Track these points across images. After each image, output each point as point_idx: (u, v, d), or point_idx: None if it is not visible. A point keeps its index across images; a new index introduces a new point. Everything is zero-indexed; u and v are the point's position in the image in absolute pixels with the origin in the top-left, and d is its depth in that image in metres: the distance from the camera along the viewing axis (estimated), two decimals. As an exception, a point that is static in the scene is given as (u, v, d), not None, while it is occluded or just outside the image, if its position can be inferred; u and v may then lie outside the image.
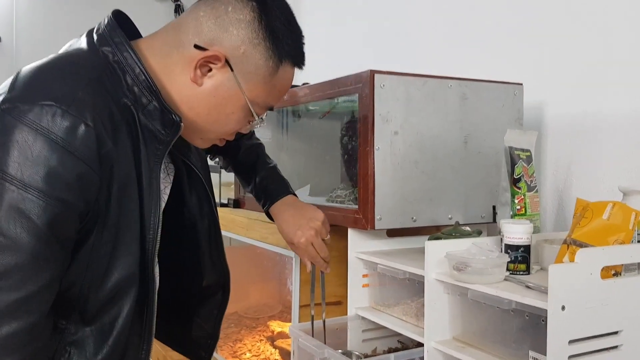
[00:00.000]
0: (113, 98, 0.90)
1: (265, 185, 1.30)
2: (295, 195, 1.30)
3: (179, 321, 1.21)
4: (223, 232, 2.05)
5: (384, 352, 1.40)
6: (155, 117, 0.93)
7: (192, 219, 1.13)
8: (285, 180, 1.33)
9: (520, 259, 1.12)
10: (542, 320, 0.96)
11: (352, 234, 1.41)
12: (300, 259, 1.28)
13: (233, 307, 2.69)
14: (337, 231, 1.57)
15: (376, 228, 1.32)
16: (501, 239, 1.18)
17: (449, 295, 1.16)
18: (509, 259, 1.10)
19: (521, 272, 1.12)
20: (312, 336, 1.30)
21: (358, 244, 1.42)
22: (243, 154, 1.35)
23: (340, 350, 1.34)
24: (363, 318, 1.40)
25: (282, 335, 2.20)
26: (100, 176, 0.85)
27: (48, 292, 0.83)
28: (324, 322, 1.33)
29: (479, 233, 1.39)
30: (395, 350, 1.41)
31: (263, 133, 2.09)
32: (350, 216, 1.38)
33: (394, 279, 1.36)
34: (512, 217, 1.30)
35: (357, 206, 1.44)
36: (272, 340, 2.28)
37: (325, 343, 1.30)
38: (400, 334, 1.31)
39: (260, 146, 1.39)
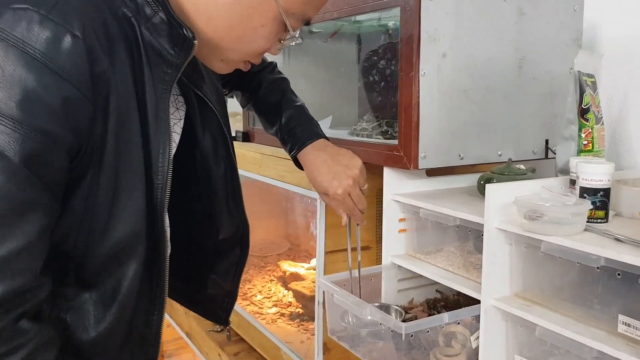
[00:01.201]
0: (109, 6, 0.71)
1: (292, 127, 1.10)
2: (327, 138, 1.11)
3: (192, 279, 1.05)
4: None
5: (422, 304, 1.26)
6: (162, 33, 0.74)
7: (206, 163, 0.95)
8: (315, 121, 1.14)
9: (599, 204, 0.95)
10: (641, 281, 0.80)
11: (387, 173, 1.24)
12: (334, 210, 1.11)
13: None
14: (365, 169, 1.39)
15: (420, 167, 1.14)
16: (573, 180, 1.01)
17: (511, 247, 1.00)
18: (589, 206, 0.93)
19: (599, 220, 0.95)
20: (351, 292, 1.15)
21: (394, 184, 1.24)
22: (265, 90, 1.14)
23: (376, 304, 1.19)
24: (399, 267, 1.25)
25: (296, 276, 2.07)
26: (94, 103, 0.67)
27: (36, 250, 0.66)
28: (359, 276, 1.18)
29: (533, 171, 1.22)
30: (435, 301, 1.27)
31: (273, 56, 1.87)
32: (387, 153, 1.20)
33: (436, 224, 1.20)
34: (578, 153, 1.12)
35: (392, 141, 1.26)
36: (284, 281, 2.16)
37: (360, 291, 1.16)
38: (437, 283, 1.16)
39: (284, 81, 1.18)
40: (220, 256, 1.02)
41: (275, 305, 2.00)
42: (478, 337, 1.04)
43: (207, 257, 1.02)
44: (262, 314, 1.95)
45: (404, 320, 1.13)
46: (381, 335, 1.02)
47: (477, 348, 1.05)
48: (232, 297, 1.07)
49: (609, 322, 0.85)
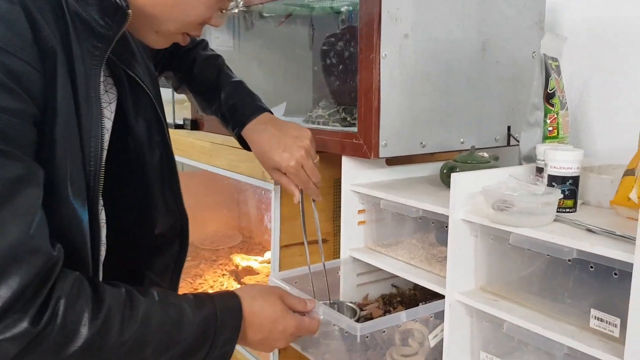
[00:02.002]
0: None
1: (233, 104, 1.03)
2: (271, 112, 1.04)
3: (127, 278, 0.95)
4: (180, 159, 1.77)
5: (377, 300, 1.20)
6: (91, 1, 0.66)
7: (139, 151, 0.86)
8: (256, 96, 1.06)
9: (568, 193, 0.91)
10: (615, 274, 0.76)
11: (346, 163, 1.17)
12: (285, 188, 1.03)
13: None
14: (321, 158, 1.32)
15: (380, 156, 1.07)
16: (540, 168, 0.97)
17: (477, 239, 0.95)
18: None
19: (568, 210, 0.91)
20: (312, 284, 1.07)
21: (353, 174, 1.18)
22: (200, 67, 1.05)
23: (329, 301, 1.12)
24: (358, 261, 1.19)
25: (249, 270, 1.99)
26: (43, 73, 0.60)
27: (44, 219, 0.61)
28: (323, 264, 1.11)
29: (496, 159, 1.18)
30: (391, 297, 1.21)
31: (222, 40, 1.77)
32: (345, 141, 1.13)
33: (396, 215, 1.14)
34: (543, 140, 1.08)
35: (351, 128, 1.19)
36: (236, 275, 2.07)
37: (328, 287, 1.10)
38: (394, 276, 1.11)
39: (219, 57, 1.10)
40: (157, 252, 0.93)
41: (228, 301, 1.91)
42: (436, 336, 0.98)
43: (143, 253, 0.92)
44: (214, 311, 1.86)
45: (358, 319, 1.06)
46: (334, 336, 0.96)
47: (435, 346, 0.99)
48: None
49: (580, 316, 0.81)
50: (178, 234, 0.94)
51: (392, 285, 1.26)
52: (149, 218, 0.89)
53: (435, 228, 1.10)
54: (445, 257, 1.09)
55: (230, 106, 1.03)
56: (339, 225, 1.35)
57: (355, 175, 1.17)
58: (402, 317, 0.97)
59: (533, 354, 0.88)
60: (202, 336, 0.73)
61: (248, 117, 1.01)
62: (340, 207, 1.35)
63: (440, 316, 0.97)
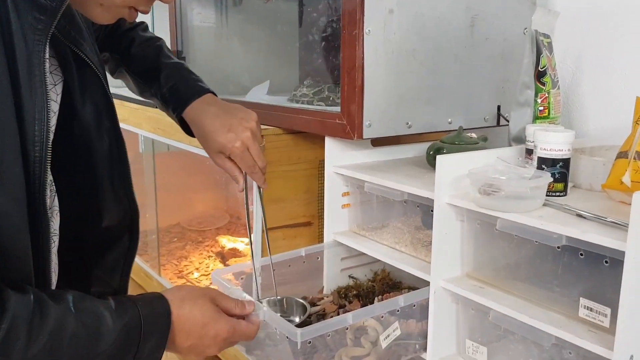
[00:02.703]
0: None
1: (174, 85, 0.95)
2: (214, 93, 0.97)
3: (72, 276, 0.90)
4: (164, 140, 1.72)
5: (332, 294, 1.13)
6: None
7: (86, 137, 0.79)
8: (198, 77, 0.99)
9: (559, 176, 0.87)
10: (606, 262, 0.73)
11: (329, 144, 1.12)
12: (228, 173, 0.94)
13: (175, 217, 2.41)
14: (303, 138, 1.28)
15: (364, 137, 1.03)
16: (530, 150, 0.93)
17: (463, 223, 0.92)
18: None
19: (558, 193, 0.88)
20: (255, 280, 1.00)
21: (336, 156, 1.13)
22: (139, 48, 0.98)
23: (277, 297, 1.05)
24: (342, 245, 1.15)
25: (235, 252, 1.95)
26: None
27: None
28: (271, 264, 1.03)
29: (485, 140, 1.13)
30: (347, 289, 1.14)
31: (204, 16, 1.71)
32: (329, 122, 1.08)
33: (381, 199, 1.10)
34: (534, 120, 1.04)
35: (334, 108, 1.14)
36: (222, 257, 2.03)
37: (275, 283, 1.02)
38: (378, 260, 1.07)
39: (160, 39, 1.03)
40: (105, 248, 0.88)
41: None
42: (388, 336, 0.93)
43: (89, 248, 0.87)
44: (199, 294, 1.83)
45: (309, 317, 1.01)
46: (279, 338, 0.89)
47: (388, 347, 0.93)
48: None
49: (569, 305, 0.78)
50: (127, 228, 0.88)
51: (349, 276, 1.21)
52: (95, 210, 0.83)
53: (421, 211, 1.07)
54: (431, 241, 1.06)
55: (171, 87, 0.95)
56: (322, 208, 1.32)
57: (339, 157, 1.13)
58: (348, 319, 0.88)
59: (520, 343, 0.85)
60: (125, 346, 0.66)
61: (190, 98, 0.93)
62: (323, 189, 1.31)
63: (394, 314, 0.93)
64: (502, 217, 0.82)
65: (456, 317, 0.95)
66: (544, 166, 0.87)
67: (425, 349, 0.96)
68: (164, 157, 2.08)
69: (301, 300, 1.05)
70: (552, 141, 0.87)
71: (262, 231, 1.02)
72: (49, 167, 0.64)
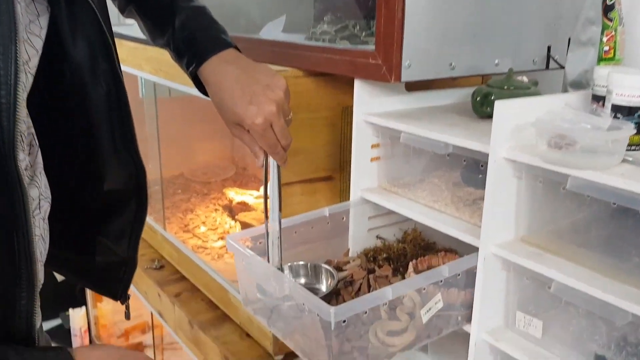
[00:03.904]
0: None
1: (190, 34, 0.80)
2: (237, 49, 0.81)
3: (75, 245, 0.78)
4: (163, 81, 1.58)
5: (359, 257, 1.01)
6: None
7: (79, 83, 0.66)
8: (220, 26, 0.82)
9: (637, 127, 0.74)
10: None
11: (359, 88, 0.98)
12: (247, 147, 0.80)
13: (178, 168, 2.29)
14: (325, 82, 1.14)
15: (403, 80, 0.89)
16: (597, 96, 0.79)
17: (520, 181, 0.79)
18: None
19: (635, 147, 0.75)
20: (267, 254, 0.86)
21: (367, 102, 1.00)
22: None
23: (301, 263, 0.95)
24: (371, 203, 1.03)
25: (244, 206, 1.84)
26: None
27: None
28: (280, 238, 0.88)
29: (536, 84, 1.00)
30: (376, 252, 1.02)
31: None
32: (360, 62, 0.94)
33: (417, 151, 0.97)
34: (598, 63, 0.90)
35: (365, 46, 1.00)
36: (229, 210, 1.92)
37: (281, 253, 0.87)
38: (405, 219, 0.95)
39: None
40: (109, 214, 0.76)
41: (221, 238, 1.77)
42: (430, 310, 0.82)
43: (91, 215, 0.75)
44: (206, 248, 1.72)
45: (337, 284, 0.89)
46: (304, 316, 0.78)
47: (428, 323, 0.82)
48: (129, 265, 0.80)
49: (652, 279, 0.67)
50: (134, 192, 0.75)
51: (377, 237, 1.09)
52: (95, 170, 0.70)
53: (461, 166, 0.94)
54: (474, 200, 0.93)
55: (187, 36, 0.80)
56: (345, 161, 1.19)
57: (369, 103, 1.00)
58: (387, 294, 0.76)
59: (584, 319, 0.74)
60: None
61: (208, 52, 0.78)
62: (347, 139, 1.18)
63: (437, 284, 0.81)
64: (575, 175, 0.69)
65: (506, 286, 0.83)
66: (619, 115, 0.74)
67: (468, 321, 0.86)
68: (165, 103, 1.94)
69: (326, 266, 0.94)
70: (631, 85, 0.73)
71: (279, 210, 0.88)
72: (20, 115, 0.51)
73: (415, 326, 0.81)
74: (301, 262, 0.95)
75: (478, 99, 0.93)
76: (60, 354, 0.54)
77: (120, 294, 0.82)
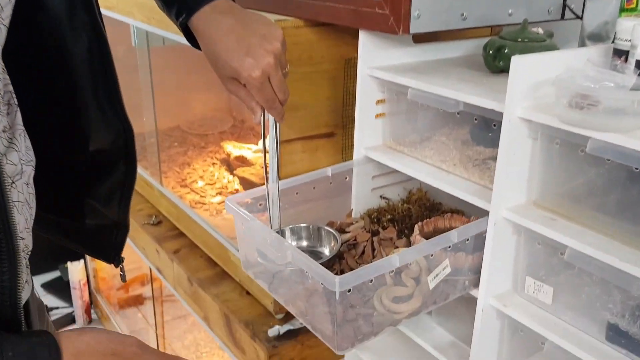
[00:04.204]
0: None
1: None
2: None
3: (63, 208, 0.74)
4: (155, 30, 1.50)
5: (362, 218, 0.98)
6: None
7: (56, 34, 0.61)
8: None
9: (663, 86, 0.69)
10: None
11: (365, 39, 0.92)
12: (243, 102, 0.76)
13: (173, 120, 2.24)
14: (327, 32, 1.07)
15: (411, 31, 0.83)
16: (620, 51, 0.74)
17: (535, 142, 0.75)
18: (653, 88, 0.67)
19: (659, 107, 0.70)
20: (269, 216, 0.83)
21: (372, 54, 0.94)
22: None
23: (302, 225, 0.92)
24: (375, 162, 0.99)
25: (242, 160, 1.79)
26: None
27: None
28: (279, 199, 0.84)
29: (551, 36, 0.94)
30: (380, 213, 0.98)
31: None
32: (364, 11, 0.88)
33: (422, 107, 0.93)
34: (620, 14, 0.84)
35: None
36: (228, 164, 1.88)
37: (280, 214, 0.84)
38: (409, 178, 0.91)
39: None
40: (97, 175, 0.71)
41: (220, 194, 1.74)
42: (437, 275, 0.79)
43: (79, 177, 0.71)
44: (204, 204, 1.69)
45: (340, 248, 0.86)
46: (307, 283, 0.76)
47: (435, 288, 0.79)
48: (121, 228, 0.77)
49: (673, 249, 0.63)
50: (122, 152, 0.71)
51: (380, 197, 1.06)
52: (80, 130, 0.66)
53: (470, 124, 0.90)
54: (484, 160, 0.89)
55: None
56: (348, 116, 1.14)
57: (374, 56, 0.94)
58: (394, 261, 0.72)
59: (598, 286, 0.71)
60: None
61: (200, 1, 0.72)
62: (350, 93, 1.13)
63: (445, 249, 0.78)
64: (596, 138, 0.65)
65: (515, 250, 0.80)
66: (645, 72, 0.69)
67: (475, 285, 0.83)
68: (159, 52, 1.87)
69: (329, 229, 0.90)
70: (660, 39, 0.68)
71: (278, 168, 0.83)
72: None
73: (422, 292, 0.79)
74: (303, 224, 0.91)
75: (491, 52, 0.87)
76: (45, 340, 0.51)
77: (113, 257, 0.79)
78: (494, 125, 0.80)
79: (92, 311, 2.48)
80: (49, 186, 0.66)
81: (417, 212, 0.98)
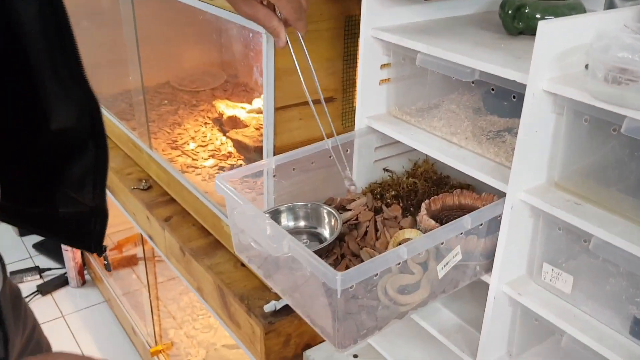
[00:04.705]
0: None
1: None
2: None
3: (35, 197, 0.66)
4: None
5: (364, 192, 0.90)
6: None
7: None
8: None
9: None
10: None
11: (367, -4, 0.83)
12: (263, 24, 0.69)
13: (163, 76, 2.13)
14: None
15: (422, -11, 0.74)
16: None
17: (559, 117, 0.67)
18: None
19: None
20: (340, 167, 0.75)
21: (376, 12, 0.84)
22: None
23: (299, 203, 0.84)
24: (377, 132, 0.91)
25: (235, 121, 1.70)
26: None
27: None
28: (333, 134, 0.79)
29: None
30: (383, 188, 0.91)
31: None
32: (369, -35, 0.78)
33: (433, 74, 0.84)
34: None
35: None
36: (220, 125, 1.79)
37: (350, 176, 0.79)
38: (411, 148, 0.83)
39: None
40: (66, 158, 0.64)
41: (212, 157, 1.66)
42: (447, 264, 0.72)
43: (45, 161, 0.63)
44: (196, 168, 1.61)
45: (340, 229, 0.79)
46: (306, 274, 0.68)
47: (444, 276, 0.72)
48: (99, 215, 0.69)
49: None
50: (89, 130, 0.63)
51: (384, 169, 0.97)
52: (38, 108, 0.57)
53: (483, 91, 0.81)
54: (498, 131, 0.82)
55: None
56: (348, 79, 1.05)
57: (379, 14, 0.84)
58: (401, 253, 0.65)
59: (624, 279, 0.65)
60: None
61: None
62: (351, 55, 1.03)
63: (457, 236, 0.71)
64: (634, 117, 0.57)
65: (532, 234, 0.74)
66: (690, 39, 0.60)
67: (486, 270, 0.77)
68: (145, 2, 1.75)
69: (328, 208, 0.83)
70: None
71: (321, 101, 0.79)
72: None
73: (429, 280, 0.72)
74: (300, 203, 0.84)
75: (509, 12, 0.78)
76: None
77: (94, 247, 0.72)
78: (514, 97, 0.72)
79: (85, 272, 2.43)
80: (14, 174, 0.58)
81: (423, 187, 0.91)
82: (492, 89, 0.76)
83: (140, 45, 1.67)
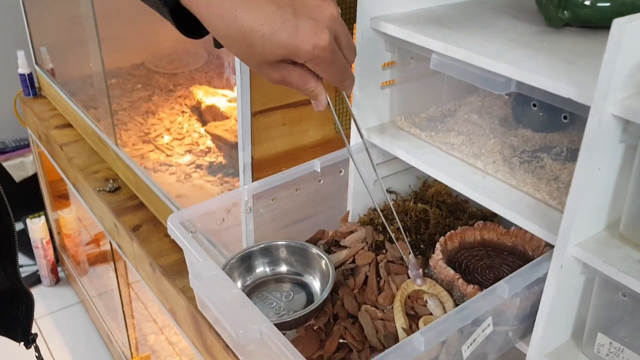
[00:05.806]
0: None
1: None
2: None
3: None
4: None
5: (363, 226, 0.73)
6: None
7: None
8: None
9: None
10: None
11: (366, -24, 0.63)
12: (301, 89, 0.52)
13: (137, 56, 1.93)
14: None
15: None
16: None
17: (629, 148, 0.49)
18: None
19: None
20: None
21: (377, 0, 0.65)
22: None
23: (281, 242, 0.65)
24: (378, 148, 0.72)
25: (214, 112, 1.51)
26: None
27: None
28: (374, 166, 0.61)
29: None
30: (387, 217, 0.73)
31: None
32: None
33: (449, 78, 0.65)
34: None
35: None
36: (199, 114, 1.60)
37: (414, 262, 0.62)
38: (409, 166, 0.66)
39: None
40: None
41: (189, 152, 1.47)
42: (475, 341, 0.55)
43: None
44: (171, 166, 1.43)
45: (334, 278, 0.61)
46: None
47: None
48: (25, 299, 0.53)
49: None
50: None
51: (387, 191, 0.79)
52: None
53: (519, 101, 0.63)
54: (534, 152, 0.64)
55: None
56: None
57: (380, 2, 0.65)
58: (416, 344, 0.47)
59: None
60: None
61: None
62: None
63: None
64: None
65: (582, 295, 0.56)
66: None
67: (521, 337, 0.60)
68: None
69: (317, 250, 0.65)
70: None
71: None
72: None
73: (449, 355, 0.55)
74: (281, 242, 0.66)
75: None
76: None
77: (20, 335, 0.56)
78: (565, 119, 0.54)
79: (59, 270, 2.26)
80: None
81: (435, 216, 0.73)
82: (534, 105, 0.57)
83: (105, 21, 1.46)
